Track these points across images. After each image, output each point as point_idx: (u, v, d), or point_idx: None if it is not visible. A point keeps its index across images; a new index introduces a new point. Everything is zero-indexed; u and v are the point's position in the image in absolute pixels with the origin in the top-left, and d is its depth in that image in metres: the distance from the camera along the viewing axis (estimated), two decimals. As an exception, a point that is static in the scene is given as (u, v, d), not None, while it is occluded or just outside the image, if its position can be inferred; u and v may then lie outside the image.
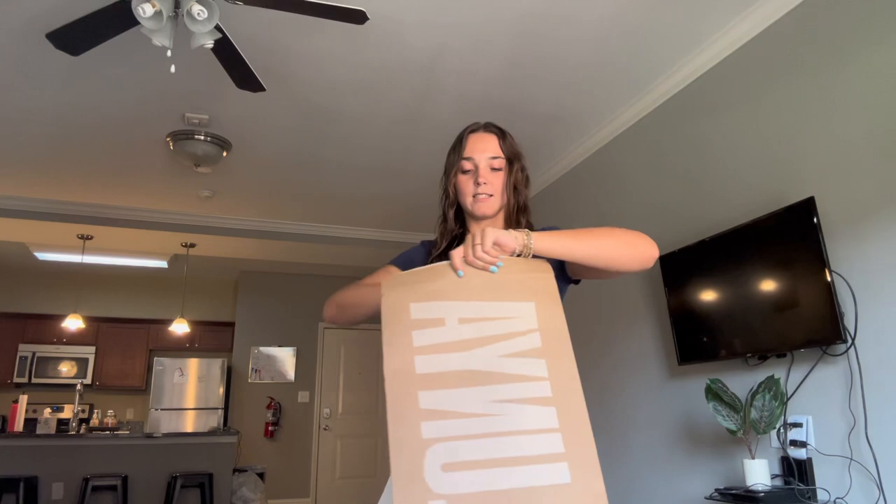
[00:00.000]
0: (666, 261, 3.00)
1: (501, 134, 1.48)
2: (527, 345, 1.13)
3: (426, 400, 1.13)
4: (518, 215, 1.48)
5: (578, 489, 1.03)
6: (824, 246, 2.19)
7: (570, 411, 1.09)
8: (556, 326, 1.15)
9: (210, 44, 2.34)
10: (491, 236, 1.16)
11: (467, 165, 1.45)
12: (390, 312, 1.21)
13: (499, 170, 1.45)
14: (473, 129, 1.49)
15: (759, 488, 2.25)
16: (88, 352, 7.26)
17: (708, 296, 2.77)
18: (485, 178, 1.43)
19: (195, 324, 7.33)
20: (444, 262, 1.24)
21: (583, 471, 1.04)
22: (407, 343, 1.18)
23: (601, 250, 1.24)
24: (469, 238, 1.18)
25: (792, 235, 2.32)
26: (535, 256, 1.20)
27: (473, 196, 1.44)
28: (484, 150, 1.44)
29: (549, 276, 1.19)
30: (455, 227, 1.51)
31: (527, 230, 1.21)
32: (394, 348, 1.20)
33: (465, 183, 1.45)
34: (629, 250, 1.25)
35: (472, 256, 1.17)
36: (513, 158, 1.47)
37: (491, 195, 1.43)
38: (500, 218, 1.49)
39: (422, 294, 1.21)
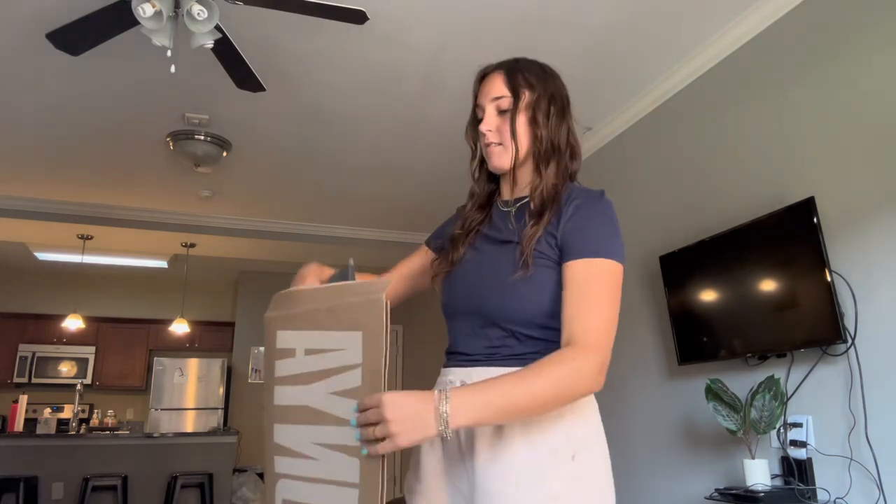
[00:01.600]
0: (666, 261, 3.00)
1: (510, 69, 1.22)
2: (349, 382, 0.99)
3: (278, 433, 1.10)
4: (539, 162, 1.18)
5: None
6: (824, 246, 2.19)
7: (369, 466, 0.94)
8: (375, 364, 0.97)
9: (210, 44, 2.34)
10: (389, 420, 0.91)
11: (479, 113, 1.24)
12: (266, 338, 1.16)
13: (507, 111, 1.19)
14: (485, 70, 1.27)
15: (759, 488, 2.25)
16: (88, 352, 7.27)
17: (708, 296, 2.77)
18: (488, 123, 1.20)
19: (195, 324, 7.33)
20: (306, 288, 1.12)
21: None
22: (270, 372, 1.13)
23: (544, 410, 1.01)
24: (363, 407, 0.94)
25: (792, 235, 2.32)
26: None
27: (485, 147, 1.21)
28: (489, 93, 1.22)
29: (377, 301, 0.98)
30: (487, 186, 1.30)
31: (444, 394, 0.93)
32: (265, 376, 1.16)
33: (481, 134, 1.23)
34: (558, 400, 1.02)
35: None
36: (524, 92, 1.19)
37: (499, 143, 1.19)
38: (528, 168, 1.21)
39: (285, 321, 1.12)
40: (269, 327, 1.15)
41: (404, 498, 1.23)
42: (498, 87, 1.21)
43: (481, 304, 1.14)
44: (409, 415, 0.92)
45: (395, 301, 1.31)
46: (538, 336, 1.11)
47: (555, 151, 1.19)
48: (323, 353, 1.04)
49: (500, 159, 1.20)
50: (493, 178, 1.30)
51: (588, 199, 1.14)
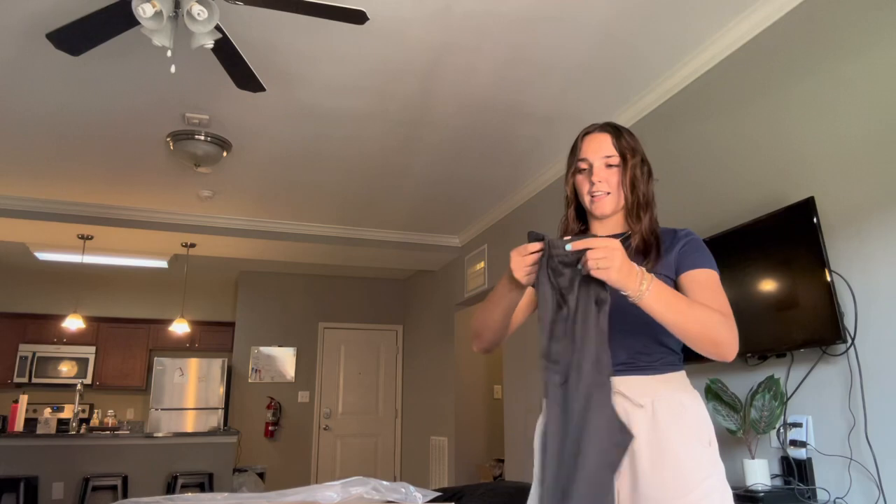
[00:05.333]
0: (666, 261, 3.00)
1: (616, 132, 1.50)
2: None
3: None
4: (638, 211, 1.48)
5: None
6: (824, 246, 2.19)
7: None
8: None
9: (210, 44, 2.34)
10: (609, 259, 1.18)
11: (583, 165, 1.50)
12: None
13: (614, 167, 1.47)
14: (588, 130, 1.53)
15: (759, 488, 2.25)
16: (88, 352, 7.26)
17: (708, 296, 2.77)
18: (599, 176, 1.47)
19: (195, 324, 7.33)
20: None
21: None
22: None
23: (690, 330, 1.28)
24: (594, 243, 1.20)
25: (792, 235, 2.32)
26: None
27: (590, 195, 1.48)
28: (597, 150, 1.48)
29: None
30: (576, 226, 1.57)
31: (650, 276, 1.23)
32: None
33: (582, 183, 1.51)
34: (711, 346, 1.31)
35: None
36: (628, 155, 1.48)
37: (608, 193, 1.46)
38: (621, 215, 1.51)
39: None
40: None
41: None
42: (607, 146, 1.48)
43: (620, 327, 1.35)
44: (625, 264, 1.19)
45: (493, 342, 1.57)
46: (659, 351, 1.41)
47: (647, 204, 1.49)
48: None
49: (607, 206, 1.48)
50: (584, 220, 1.58)
51: (690, 234, 1.47)
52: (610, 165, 1.47)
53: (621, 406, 1.33)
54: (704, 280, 1.39)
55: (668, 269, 1.42)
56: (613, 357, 1.30)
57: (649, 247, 1.44)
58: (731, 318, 1.34)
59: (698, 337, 1.28)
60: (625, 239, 1.46)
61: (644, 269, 1.24)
